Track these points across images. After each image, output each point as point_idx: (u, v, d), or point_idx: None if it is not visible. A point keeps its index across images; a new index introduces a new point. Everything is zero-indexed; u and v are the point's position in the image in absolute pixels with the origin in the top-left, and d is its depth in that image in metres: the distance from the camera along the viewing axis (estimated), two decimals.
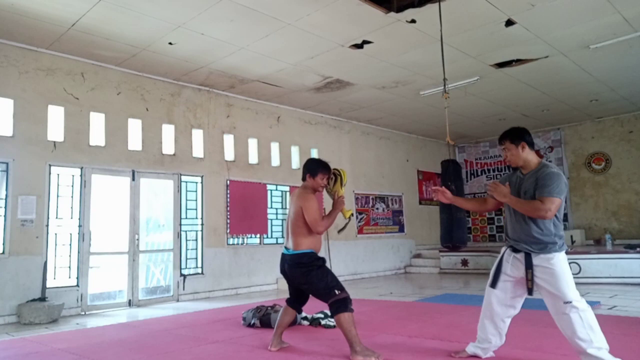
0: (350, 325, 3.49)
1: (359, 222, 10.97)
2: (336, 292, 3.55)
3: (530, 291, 3.10)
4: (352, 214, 4.10)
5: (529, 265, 3.07)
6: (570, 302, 2.92)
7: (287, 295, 4.03)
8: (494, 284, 3.25)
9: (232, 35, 6.34)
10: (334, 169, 4.01)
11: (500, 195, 3.16)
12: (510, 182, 3.29)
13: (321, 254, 3.83)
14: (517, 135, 3.23)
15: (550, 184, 3.00)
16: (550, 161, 12.44)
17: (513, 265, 3.19)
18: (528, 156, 3.21)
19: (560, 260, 3.02)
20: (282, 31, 6.24)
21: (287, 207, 9.40)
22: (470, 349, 3.43)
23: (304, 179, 3.96)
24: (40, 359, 4.05)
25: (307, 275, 3.67)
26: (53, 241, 6.55)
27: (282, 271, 3.89)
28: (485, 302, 3.35)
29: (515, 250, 3.19)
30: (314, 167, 3.90)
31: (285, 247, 3.87)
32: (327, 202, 3.88)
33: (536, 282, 3.08)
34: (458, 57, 7.23)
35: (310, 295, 3.90)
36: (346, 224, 4.19)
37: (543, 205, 2.97)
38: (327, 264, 3.80)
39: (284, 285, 8.54)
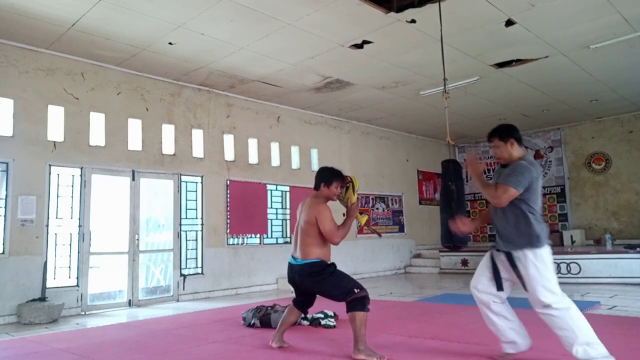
0: (362, 324, 3.49)
1: (358, 222, 10.96)
2: (355, 290, 3.53)
3: (525, 286, 3.07)
4: (368, 217, 4.10)
5: (513, 263, 3.07)
6: (548, 305, 2.93)
7: (286, 295, 4.03)
8: (500, 288, 3.19)
9: (232, 35, 6.34)
10: (346, 177, 3.97)
11: (471, 169, 3.28)
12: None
13: None
14: (506, 133, 3.27)
15: (511, 174, 3.05)
16: (550, 161, 12.59)
17: (501, 265, 3.20)
18: (514, 152, 3.24)
19: (531, 259, 2.99)
20: (282, 31, 6.24)
21: (287, 207, 9.44)
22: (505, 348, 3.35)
23: (317, 188, 3.89)
24: (40, 359, 4.05)
25: (320, 284, 3.65)
26: (53, 241, 6.55)
27: (292, 281, 3.84)
28: (480, 303, 3.31)
29: (498, 249, 3.21)
30: (329, 177, 3.85)
31: (293, 257, 3.81)
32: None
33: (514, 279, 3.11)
34: (458, 57, 7.23)
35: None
36: (362, 227, 4.19)
37: (495, 192, 3.04)
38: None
39: (284, 285, 8.56)
